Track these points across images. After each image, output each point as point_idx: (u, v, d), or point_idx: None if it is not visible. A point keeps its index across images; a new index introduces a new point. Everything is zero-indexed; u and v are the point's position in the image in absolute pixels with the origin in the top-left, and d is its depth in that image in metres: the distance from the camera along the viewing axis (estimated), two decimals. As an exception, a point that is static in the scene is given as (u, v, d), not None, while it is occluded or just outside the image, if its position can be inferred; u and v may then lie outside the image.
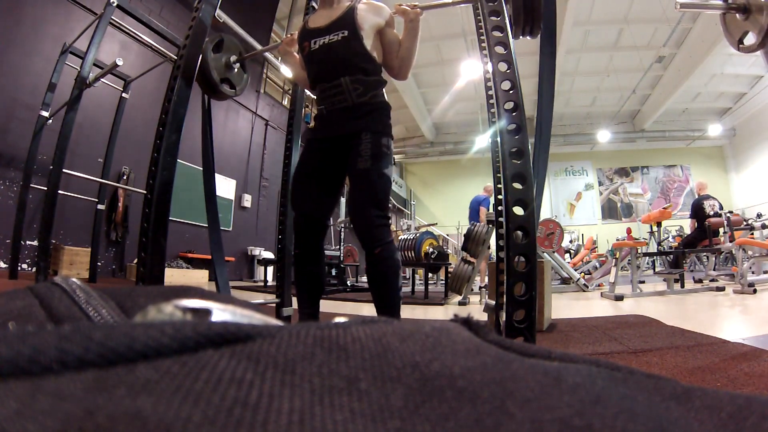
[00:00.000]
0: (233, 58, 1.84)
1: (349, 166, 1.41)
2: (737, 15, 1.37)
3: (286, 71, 3.15)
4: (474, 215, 5.06)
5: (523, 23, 1.32)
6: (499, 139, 1.14)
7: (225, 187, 6.90)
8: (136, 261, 1.69)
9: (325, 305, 2.98)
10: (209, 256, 6.29)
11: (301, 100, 2.19)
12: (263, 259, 5.78)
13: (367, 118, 1.41)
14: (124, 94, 4.34)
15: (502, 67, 1.18)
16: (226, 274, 1.97)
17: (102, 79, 3.54)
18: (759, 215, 6.83)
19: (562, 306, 2.88)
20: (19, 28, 4.11)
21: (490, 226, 3.03)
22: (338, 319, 0.16)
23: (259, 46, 2.42)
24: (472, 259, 3.19)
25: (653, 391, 0.14)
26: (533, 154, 1.73)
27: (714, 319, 2.21)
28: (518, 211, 1.08)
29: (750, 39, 1.37)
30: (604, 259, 5.90)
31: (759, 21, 1.28)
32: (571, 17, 7.63)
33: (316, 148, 1.49)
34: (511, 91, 1.16)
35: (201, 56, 1.69)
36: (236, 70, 1.87)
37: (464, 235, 3.26)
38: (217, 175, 6.78)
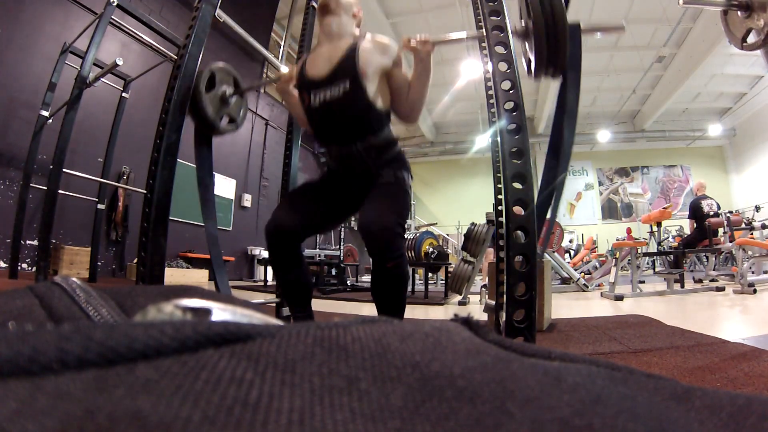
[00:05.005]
0: (229, 90, 1.70)
1: (370, 187, 1.33)
2: (739, 13, 1.36)
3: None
4: None
5: (546, 64, 1.16)
6: (499, 138, 1.14)
7: (225, 186, 6.89)
8: (136, 261, 1.68)
9: (325, 305, 2.99)
10: (209, 256, 6.29)
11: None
12: (263, 258, 5.78)
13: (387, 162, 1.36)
14: (124, 94, 4.34)
15: (502, 66, 1.18)
16: (224, 270, 1.84)
17: (102, 79, 3.54)
18: (757, 207, 6.87)
19: (562, 306, 2.88)
20: (19, 27, 4.11)
21: (490, 225, 3.03)
22: (338, 319, 0.16)
23: (258, 45, 2.42)
24: (472, 259, 3.19)
25: (653, 391, 0.14)
26: (545, 168, 1.50)
27: (714, 319, 2.21)
28: (518, 211, 1.08)
29: (752, 37, 1.35)
30: (604, 259, 5.90)
31: (762, 19, 1.27)
32: (571, 17, 7.61)
33: (335, 179, 1.41)
34: (511, 91, 1.16)
35: (194, 95, 1.54)
36: (233, 102, 1.74)
37: (464, 235, 3.25)
38: (217, 175, 6.71)
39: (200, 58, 1.51)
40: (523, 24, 1.18)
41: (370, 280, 1.31)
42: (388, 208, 1.22)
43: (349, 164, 1.36)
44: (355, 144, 1.32)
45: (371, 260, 1.24)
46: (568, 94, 1.20)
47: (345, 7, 1.40)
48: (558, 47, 1.11)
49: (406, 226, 1.28)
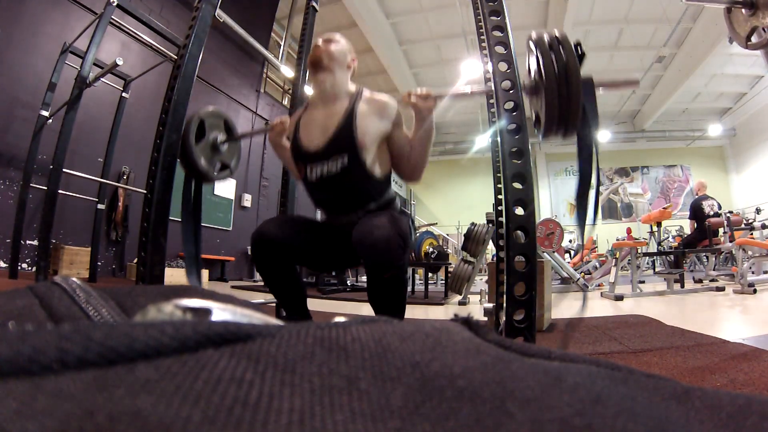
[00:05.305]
0: (221, 137, 1.59)
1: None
2: (743, 10, 1.33)
3: (287, 71, 3.15)
4: None
5: (557, 123, 1.05)
6: (499, 138, 1.14)
7: (225, 186, 6.90)
8: (136, 261, 1.66)
9: (325, 305, 2.99)
10: (209, 256, 6.28)
11: (301, 100, 2.19)
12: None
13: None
14: (124, 94, 4.34)
15: (502, 66, 1.18)
16: (198, 252, 1.53)
17: (102, 79, 3.54)
18: (758, 210, 6.86)
19: (562, 306, 2.88)
20: (19, 27, 4.11)
21: (490, 225, 3.03)
22: (338, 319, 0.16)
23: (258, 45, 2.42)
24: (472, 259, 3.19)
25: (653, 391, 0.14)
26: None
27: (714, 319, 2.21)
28: (518, 211, 1.08)
29: (757, 36, 1.33)
30: (604, 259, 5.90)
31: (767, 17, 1.24)
32: (571, 17, 7.63)
33: (333, 232, 1.30)
34: (511, 91, 1.16)
35: (184, 146, 1.44)
36: (225, 149, 1.62)
37: (464, 235, 3.25)
38: (217, 175, 6.60)
39: (200, 57, 1.51)
40: (532, 78, 1.10)
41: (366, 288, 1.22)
42: (388, 221, 1.12)
43: (349, 229, 1.29)
44: (355, 213, 1.27)
45: (366, 271, 1.15)
46: (585, 151, 1.07)
47: (339, 61, 1.29)
48: (570, 106, 1.01)
49: (408, 244, 1.17)
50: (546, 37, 1.03)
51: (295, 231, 1.28)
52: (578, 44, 1.02)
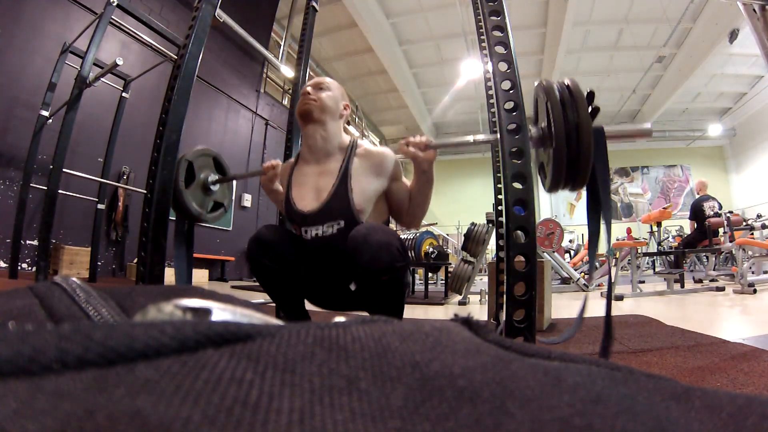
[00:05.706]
0: (212, 177, 1.55)
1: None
2: None
3: (287, 71, 3.15)
4: None
5: (566, 179, 0.99)
6: (499, 138, 1.14)
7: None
8: (136, 261, 1.66)
9: (325, 305, 2.99)
10: (209, 256, 6.28)
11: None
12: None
13: None
14: (124, 94, 4.34)
15: (502, 66, 1.18)
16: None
17: (102, 79, 3.54)
18: (759, 216, 6.83)
19: (562, 306, 2.88)
20: (19, 27, 4.11)
21: (490, 225, 3.03)
22: (338, 319, 0.16)
23: (258, 45, 2.42)
24: (472, 259, 3.19)
25: (653, 391, 0.14)
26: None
27: (714, 319, 2.21)
28: (518, 211, 1.07)
29: None
30: (604, 259, 5.90)
31: None
32: (571, 17, 7.62)
33: (329, 271, 1.22)
34: (511, 91, 1.15)
35: (175, 191, 1.42)
36: (217, 189, 1.58)
37: (464, 235, 3.26)
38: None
39: (200, 57, 1.51)
40: (539, 128, 1.06)
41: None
42: (383, 229, 1.08)
43: (345, 278, 1.24)
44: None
45: (359, 274, 1.07)
46: (601, 207, 0.99)
47: (331, 112, 1.22)
48: (580, 164, 0.95)
49: (407, 254, 1.12)
50: (557, 87, 0.97)
51: (293, 246, 1.22)
52: (591, 95, 0.96)
